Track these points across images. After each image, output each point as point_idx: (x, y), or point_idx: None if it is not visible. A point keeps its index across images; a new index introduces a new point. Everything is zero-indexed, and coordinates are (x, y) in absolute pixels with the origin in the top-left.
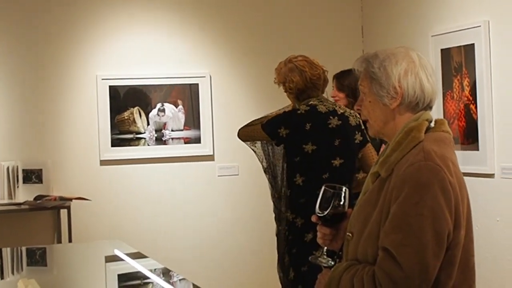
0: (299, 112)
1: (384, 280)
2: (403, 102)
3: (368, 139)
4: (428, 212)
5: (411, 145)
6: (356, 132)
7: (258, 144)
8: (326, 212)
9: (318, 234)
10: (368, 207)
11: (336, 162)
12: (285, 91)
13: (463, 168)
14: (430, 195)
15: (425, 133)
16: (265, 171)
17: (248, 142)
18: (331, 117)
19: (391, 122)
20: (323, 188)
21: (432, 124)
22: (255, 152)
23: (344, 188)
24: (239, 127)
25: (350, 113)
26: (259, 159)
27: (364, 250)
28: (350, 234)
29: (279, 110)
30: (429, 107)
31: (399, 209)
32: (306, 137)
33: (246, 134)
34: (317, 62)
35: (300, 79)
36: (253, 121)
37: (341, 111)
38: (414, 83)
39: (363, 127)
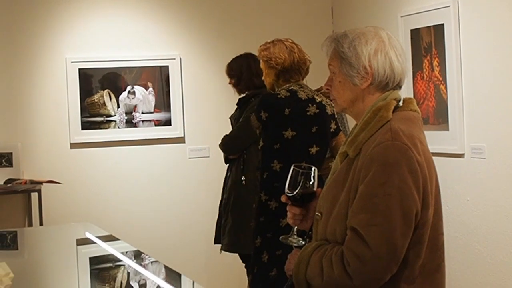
0: (279, 96)
1: (352, 259)
2: (373, 82)
3: (341, 128)
4: (395, 191)
5: (379, 124)
6: (331, 121)
7: None
8: (295, 192)
9: (288, 214)
10: (337, 187)
11: (313, 149)
12: (267, 68)
13: (433, 148)
14: (398, 174)
15: (393, 112)
16: None
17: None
18: (310, 105)
19: (360, 102)
20: (292, 168)
21: (401, 103)
22: None
23: (313, 168)
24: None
25: (327, 102)
26: None
27: (333, 230)
28: (319, 214)
29: None
30: (398, 86)
31: (367, 189)
32: (285, 122)
33: None
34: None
35: (288, 57)
36: None
37: (319, 99)
38: (384, 62)
39: (336, 116)
